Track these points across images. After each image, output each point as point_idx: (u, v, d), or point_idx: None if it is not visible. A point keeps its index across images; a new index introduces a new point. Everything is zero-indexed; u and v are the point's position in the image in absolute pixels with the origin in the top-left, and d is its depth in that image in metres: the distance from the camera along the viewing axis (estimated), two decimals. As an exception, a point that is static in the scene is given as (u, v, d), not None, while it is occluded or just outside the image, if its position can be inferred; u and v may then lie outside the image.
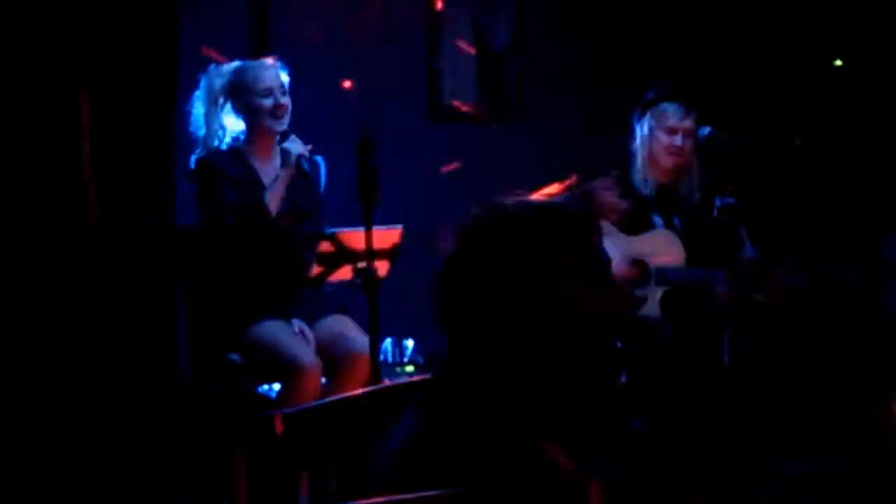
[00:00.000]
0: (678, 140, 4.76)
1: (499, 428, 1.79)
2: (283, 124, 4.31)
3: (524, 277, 1.80)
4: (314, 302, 4.37)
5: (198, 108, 4.38)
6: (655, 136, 4.79)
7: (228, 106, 4.34)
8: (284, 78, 4.37)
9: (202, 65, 4.42)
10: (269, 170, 4.35)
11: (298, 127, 4.41)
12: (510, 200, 1.88)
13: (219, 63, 4.43)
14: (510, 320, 1.79)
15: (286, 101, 4.32)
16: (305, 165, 4.29)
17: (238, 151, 4.36)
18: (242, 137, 4.38)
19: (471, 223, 1.87)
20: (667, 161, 4.79)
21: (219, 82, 4.35)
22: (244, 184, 4.28)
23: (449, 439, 1.80)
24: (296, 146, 4.28)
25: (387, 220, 4.04)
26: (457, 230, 1.88)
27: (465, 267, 1.84)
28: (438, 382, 1.89)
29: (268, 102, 4.29)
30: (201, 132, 4.38)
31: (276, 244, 4.31)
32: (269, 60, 4.42)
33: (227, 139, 4.38)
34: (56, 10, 4.67)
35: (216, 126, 4.36)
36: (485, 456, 1.77)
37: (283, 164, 4.29)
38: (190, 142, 4.42)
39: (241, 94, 4.32)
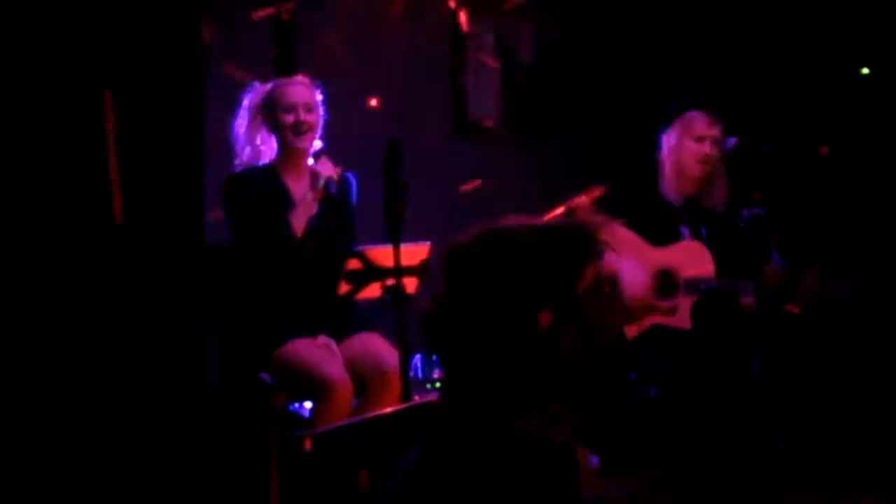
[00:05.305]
0: (706, 148, 4.76)
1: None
2: (306, 141, 4.37)
3: (526, 302, 1.73)
4: (344, 319, 4.38)
5: (238, 126, 4.44)
6: (683, 145, 4.79)
7: (265, 123, 4.40)
8: (313, 96, 4.41)
9: (228, 85, 4.45)
10: (301, 188, 4.37)
11: (325, 145, 4.44)
12: (505, 223, 1.79)
13: (262, 82, 4.47)
14: (516, 347, 1.73)
15: (310, 118, 4.37)
16: (332, 189, 4.31)
17: (271, 169, 4.40)
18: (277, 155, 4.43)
19: (465, 249, 1.78)
20: (695, 170, 4.78)
21: (256, 99, 4.41)
22: (273, 202, 4.31)
23: (456, 466, 1.74)
24: (325, 168, 4.31)
25: (414, 237, 4.05)
26: (446, 255, 1.79)
27: (463, 294, 1.76)
28: (445, 410, 1.82)
29: (289, 118, 4.34)
30: (242, 150, 4.43)
31: (302, 264, 4.32)
32: (300, 77, 4.46)
33: (266, 157, 4.44)
34: (82, 12, 4.71)
35: (255, 144, 4.43)
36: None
37: (311, 187, 4.32)
38: (226, 157, 4.45)
39: (271, 110, 4.37)
